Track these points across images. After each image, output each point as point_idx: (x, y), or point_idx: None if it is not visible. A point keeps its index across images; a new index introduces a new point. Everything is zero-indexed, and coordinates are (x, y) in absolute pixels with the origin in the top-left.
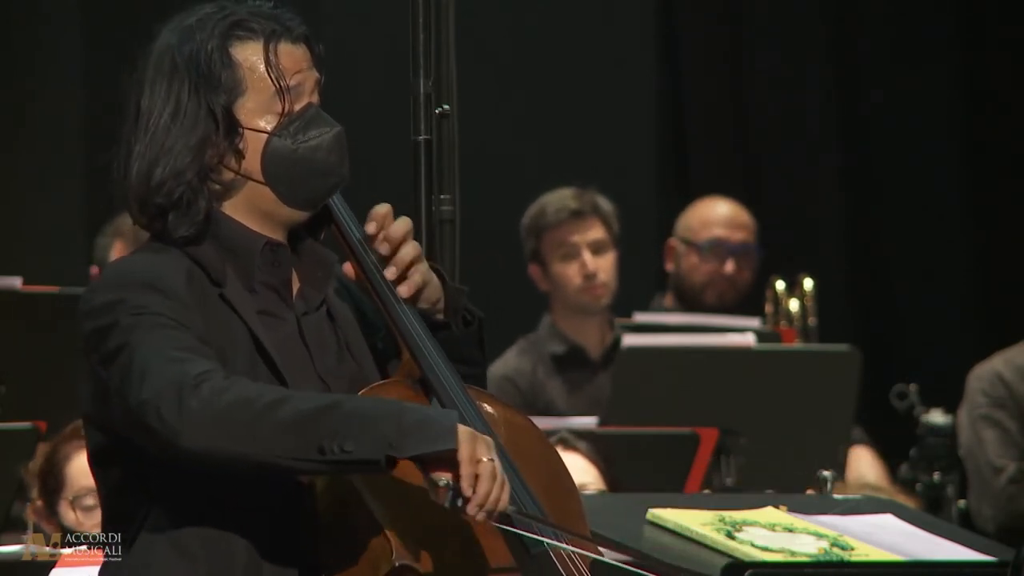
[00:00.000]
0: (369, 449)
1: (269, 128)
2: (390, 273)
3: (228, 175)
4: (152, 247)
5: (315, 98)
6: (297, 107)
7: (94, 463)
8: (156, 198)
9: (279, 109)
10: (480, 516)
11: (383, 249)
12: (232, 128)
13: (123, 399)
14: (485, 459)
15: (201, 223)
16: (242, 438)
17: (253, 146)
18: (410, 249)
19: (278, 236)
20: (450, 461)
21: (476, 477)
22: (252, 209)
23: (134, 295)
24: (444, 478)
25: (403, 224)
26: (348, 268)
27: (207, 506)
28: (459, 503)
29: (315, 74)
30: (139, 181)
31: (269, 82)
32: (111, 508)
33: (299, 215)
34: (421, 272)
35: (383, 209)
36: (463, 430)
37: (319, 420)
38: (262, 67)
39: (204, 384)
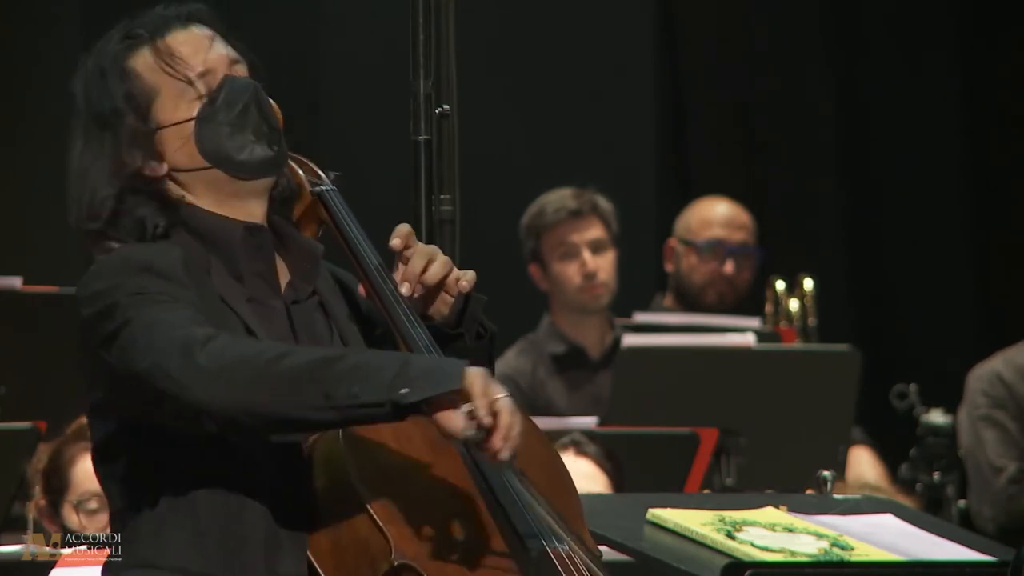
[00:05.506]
0: (375, 392)
1: (193, 114)
2: (403, 288)
3: (181, 174)
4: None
5: (238, 69)
6: (213, 84)
7: (100, 457)
8: (90, 225)
9: (196, 95)
10: (505, 452)
11: (409, 290)
12: (141, 132)
13: (130, 370)
14: (499, 395)
15: (156, 224)
16: (251, 388)
17: (187, 137)
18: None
19: (256, 218)
20: (460, 406)
21: (493, 409)
22: (218, 194)
23: (132, 279)
24: (466, 405)
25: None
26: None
27: (218, 489)
28: (480, 437)
29: (222, 46)
30: (74, 217)
31: (172, 78)
32: (120, 500)
33: (264, 182)
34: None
35: (406, 229)
36: (473, 370)
37: (325, 368)
38: (159, 67)
39: (210, 342)
